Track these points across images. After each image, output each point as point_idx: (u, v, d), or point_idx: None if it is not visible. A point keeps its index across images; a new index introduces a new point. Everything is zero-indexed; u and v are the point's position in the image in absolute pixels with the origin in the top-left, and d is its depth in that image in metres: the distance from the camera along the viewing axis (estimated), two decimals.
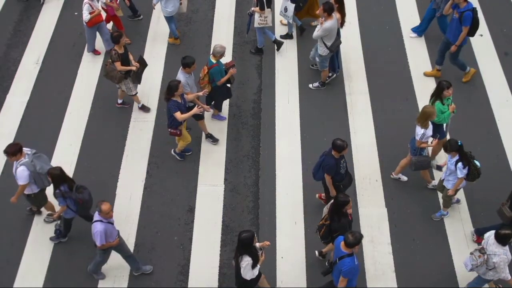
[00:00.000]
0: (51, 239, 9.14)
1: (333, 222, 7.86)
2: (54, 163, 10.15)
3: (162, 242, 9.17)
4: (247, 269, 7.43)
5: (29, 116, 11.00)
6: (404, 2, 13.11)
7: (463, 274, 8.80)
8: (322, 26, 10.25)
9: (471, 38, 12.33)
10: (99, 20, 11.38)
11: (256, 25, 11.55)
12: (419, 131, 8.88)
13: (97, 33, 11.79)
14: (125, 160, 10.28)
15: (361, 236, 7.22)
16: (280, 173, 10.08)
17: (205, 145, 10.45)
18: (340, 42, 10.83)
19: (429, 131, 8.90)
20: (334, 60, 11.24)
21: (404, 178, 9.83)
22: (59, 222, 9.08)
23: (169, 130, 9.63)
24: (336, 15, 10.43)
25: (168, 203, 9.68)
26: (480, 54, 12.05)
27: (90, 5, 11.16)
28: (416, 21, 12.60)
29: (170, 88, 9.16)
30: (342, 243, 7.31)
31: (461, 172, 8.51)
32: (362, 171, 9.98)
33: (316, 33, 10.40)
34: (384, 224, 9.33)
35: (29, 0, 13.31)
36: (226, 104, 11.12)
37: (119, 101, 11.08)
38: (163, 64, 11.91)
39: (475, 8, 10.39)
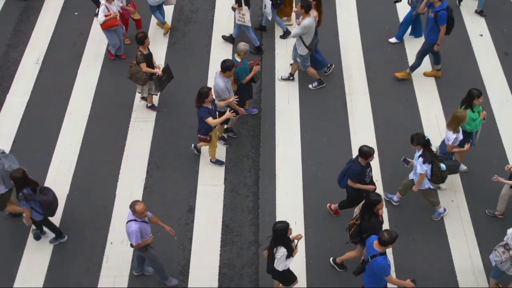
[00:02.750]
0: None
1: (364, 221, 7.83)
2: (54, 163, 10.19)
3: (162, 242, 9.17)
4: (281, 260, 7.44)
5: (29, 116, 11.00)
6: (404, 2, 13.09)
7: (463, 274, 8.80)
8: (300, 24, 10.26)
9: (470, 38, 12.38)
10: (114, 23, 11.18)
11: (236, 21, 11.65)
12: (451, 135, 8.80)
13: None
14: (125, 160, 10.28)
15: (396, 235, 7.18)
16: (280, 173, 10.08)
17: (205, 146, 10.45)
18: (318, 41, 10.82)
19: (460, 135, 8.86)
20: (315, 58, 11.18)
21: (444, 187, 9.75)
22: (34, 227, 9.03)
23: (199, 136, 9.51)
24: (313, 13, 10.44)
25: (168, 203, 9.68)
26: (480, 54, 12.06)
27: (107, 7, 11.00)
28: None
29: (200, 95, 9.03)
30: (375, 242, 7.29)
31: (421, 167, 8.49)
32: None
33: (295, 31, 10.40)
34: (384, 224, 9.31)
35: (29, 0, 13.31)
36: None
37: (148, 104, 11.06)
38: (163, 64, 11.88)
39: (450, 6, 10.40)
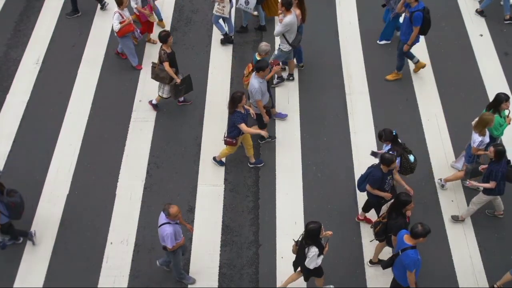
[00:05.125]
0: (6, 243, 9.05)
1: (390, 220, 7.84)
2: (54, 163, 10.19)
3: None
4: (313, 259, 7.50)
5: (29, 116, 11.00)
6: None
7: (463, 274, 8.80)
8: (282, 22, 10.28)
9: (470, 38, 12.37)
10: (130, 29, 11.03)
11: (213, 11, 11.73)
12: (477, 138, 8.79)
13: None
14: (125, 160, 10.28)
15: (429, 229, 7.20)
16: (280, 173, 10.08)
17: (205, 145, 10.46)
18: (301, 38, 10.82)
19: (487, 138, 8.84)
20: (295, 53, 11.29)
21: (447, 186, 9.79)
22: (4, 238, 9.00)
23: (225, 138, 9.49)
24: (295, 11, 10.45)
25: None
26: (480, 54, 12.06)
27: (120, 14, 10.83)
28: None
29: (233, 100, 9.00)
30: (406, 236, 7.33)
31: None
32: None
33: (277, 29, 10.43)
34: None
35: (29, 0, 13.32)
36: (225, 104, 11.11)
37: (180, 99, 10.99)
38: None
39: (426, 7, 10.41)
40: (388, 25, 11.98)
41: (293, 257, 8.97)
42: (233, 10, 12.54)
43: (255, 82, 9.38)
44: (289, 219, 9.46)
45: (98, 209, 9.58)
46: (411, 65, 11.83)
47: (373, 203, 8.75)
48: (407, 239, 7.31)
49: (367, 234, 9.23)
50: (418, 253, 7.29)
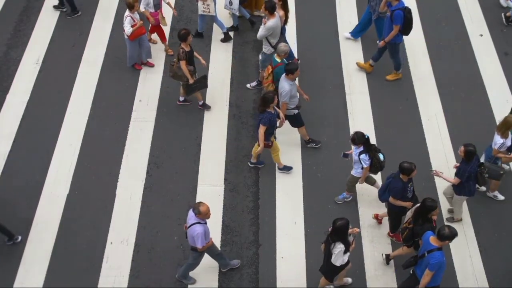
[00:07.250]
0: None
1: (417, 226, 7.87)
2: (54, 163, 10.19)
3: (162, 242, 9.17)
4: (339, 256, 7.52)
5: (29, 116, 11.00)
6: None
7: (463, 274, 8.80)
8: (265, 25, 10.29)
9: (470, 38, 12.37)
10: (141, 32, 11.00)
11: (199, 12, 11.73)
12: (499, 140, 8.80)
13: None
14: (125, 160, 10.28)
15: (456, 232, 7.26)
16: (280, 173, 10.07)
17: (205, 145, 10.46)
18: (284, 40, 10.79)
19: (508, 141, 8.84)
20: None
21: (501, 197, 9.60)
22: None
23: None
24: (279, 13, 10.45)
25: (168, 203, 9.68)
26: (480, 54, 12.06)
27: (132, 18, 10.75)
28: (416, 21, 12.58)
29: (265, 100, 8.98)
30: (431, 237, 7.40)
31: (365, 162, 8.71)
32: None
33: (260, 33, 10.45)
34: (384, 224, 9.33)
35: (29, 0, 13.32)
36: (225, 104, 11.14)
37: (181, 98, 10.99)
38: (163, 64, 11.91)
39: (408, 7, 10.42)
40: (378, 25, 11.93)
41: (292, 257, 9.00)
42: (223, 10, 12.52)
43: (286, 85, 9.38)
44: (289, 219, 9.46)
45: (98, 209, 9.57)
46: (411, 66, 11.84)
47: (396, 213, 8.68)
48: (433, 240, 7.37)
49: (367, 234, 9.24)
50: (444, 255, 7.34)
